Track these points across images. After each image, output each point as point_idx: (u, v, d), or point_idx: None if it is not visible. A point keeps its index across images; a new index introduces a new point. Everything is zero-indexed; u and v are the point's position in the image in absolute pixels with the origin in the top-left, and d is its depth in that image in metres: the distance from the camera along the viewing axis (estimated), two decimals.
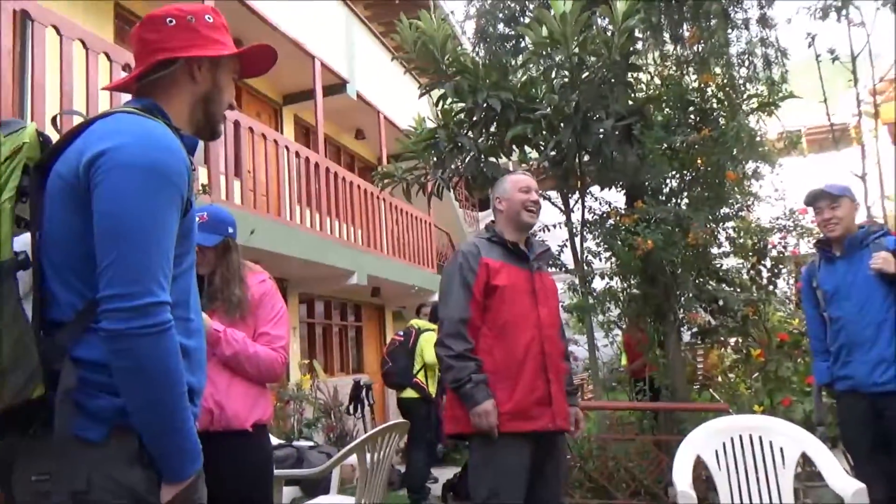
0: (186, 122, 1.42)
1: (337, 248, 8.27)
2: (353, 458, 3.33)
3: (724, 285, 5.63)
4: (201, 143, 1.54)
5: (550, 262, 6.01)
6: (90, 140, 1.25)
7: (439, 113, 5.94)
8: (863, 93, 7.11)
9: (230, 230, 2.43)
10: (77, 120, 1.46)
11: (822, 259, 3.18)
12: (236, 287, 2.35)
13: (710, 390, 6.17)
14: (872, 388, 2.89)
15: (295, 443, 5.52)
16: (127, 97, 1.49)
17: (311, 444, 5.55)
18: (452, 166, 5.84)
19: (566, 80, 5.49)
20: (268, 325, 2.41)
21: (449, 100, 5.72)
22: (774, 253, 5.63)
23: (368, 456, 3.31)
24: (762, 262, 5.61)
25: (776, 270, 5.66)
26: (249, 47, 1.49)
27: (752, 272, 5.67)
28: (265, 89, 9.29)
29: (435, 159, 5.76)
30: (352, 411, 7.51)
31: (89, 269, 1.22)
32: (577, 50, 5.24)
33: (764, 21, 6.52)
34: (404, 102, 9.88)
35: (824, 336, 3.16)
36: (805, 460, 3.02)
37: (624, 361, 7.24)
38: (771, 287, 5.69)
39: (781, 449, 2.90)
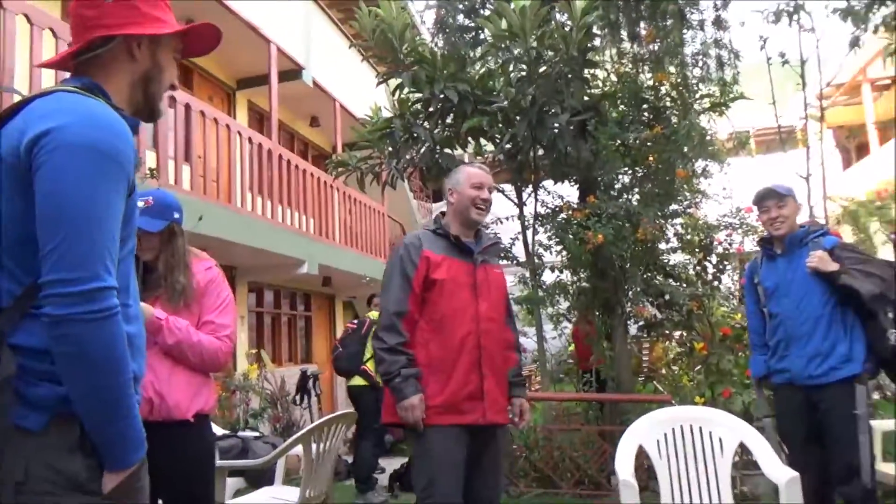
0: (125, 101, 1.37)
1: (288, 236, 8.15)
2: (298, 449, 3.30)
3: (670, 280, 5.75)
4: (150, 126, 1.48)
5: (502, 255, 6.06)
6: (31, 119, 1.21)
7: (396, 102, 5.90)
8: (811, 97, 7.33)
9: (176, 215, 2.36)
10: (16, 97, 1.39)
11: (764, 256, 3.27)
12: (181, 274, 2.28)
13: (655, 382, 6.31)
14: (808, 381, 2.99)
15: (240, 433, 5.43)
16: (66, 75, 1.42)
17: (256, 434, 5.48)
18: (407, 156, 5.82)
19: (523, 73, 5.51)
20: (213, 314, 2.35)
21: (406, 89, 5.69)
22: (720, 249, 5.77)
23: (314, 446, 3.28)
24: (708, 258, 5.75)
25: (721, 266, 5.81)
26: (191, 26, 1.45)
27: (698, 268, 5.81)
28: (218, 73, 9.07)
29: (390, 149, 5.72)
30: (298, 401, 7.43)
31: (29, 254, 1.18)
32: (535, 44, 5.26)
33: (718, 23, 6.66)
34: (361, 91, 9.78)
35: (763, 331, 3.26)
36: (743, 450, 3.11)
37: (573, 351, 7.36)
38: (716, 283, 5.84)
39: (720, 439, 2.97)
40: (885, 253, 11.57)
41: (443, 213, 2.79)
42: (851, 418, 2.88)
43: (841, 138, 15.05)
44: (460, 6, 7.06)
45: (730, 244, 5.80)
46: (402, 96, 5.80)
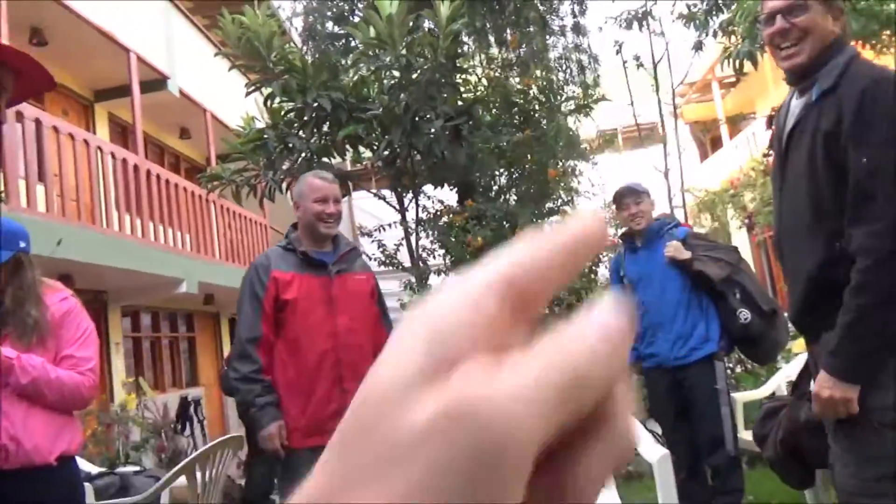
0: None
1: (162, 255, 7.77)
2: (184, 479, 3.15)
3: None
4: None
5: (387, 261, 6.07)
6: None
7: (268, 112, 5.77)
8: (666, 96, 7.85)
9: (22, 244, 2.19)
10: None
11: (627, 249, 3.49)
12: (32, 308, 2.12)
13: None
14: (674, 362, 3.22)
15: (118, 469, 5.11)
16: None
17: (136, 468, 5.17)
18: (284, 167, 5.70)
19: (395, 81, 5.55)
20: (72, 347, 2.19)
21: (277, 99, 5.57)
22: None
23: (199, 475, 3.14)
24: None
25: (597, 259, 6.10)
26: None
27: None
28: (73, 84, 8.49)
29: (265, 160, 5.58)
30: (180, 429, 7.10)
31: None
32: (404, 52, 5.31)
33: (578, 29, 7.01)
34: (233, 100, 9.48)
35: None
36: None
37: None
38: (592, 275, 6.12)
39: None
40: (739, 237, 12.59)
41: (294, 226, 2.70)
42: (713, 393, 3.12)
43: (696, 133, 16.21)
44: (329, 13, 7.01)
45: None
46: (275, 106, 5.68)
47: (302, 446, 2.41)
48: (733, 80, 14.29)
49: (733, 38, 5.69)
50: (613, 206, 3.60)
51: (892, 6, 5.04)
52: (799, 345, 4.53)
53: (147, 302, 8.98)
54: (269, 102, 5.65)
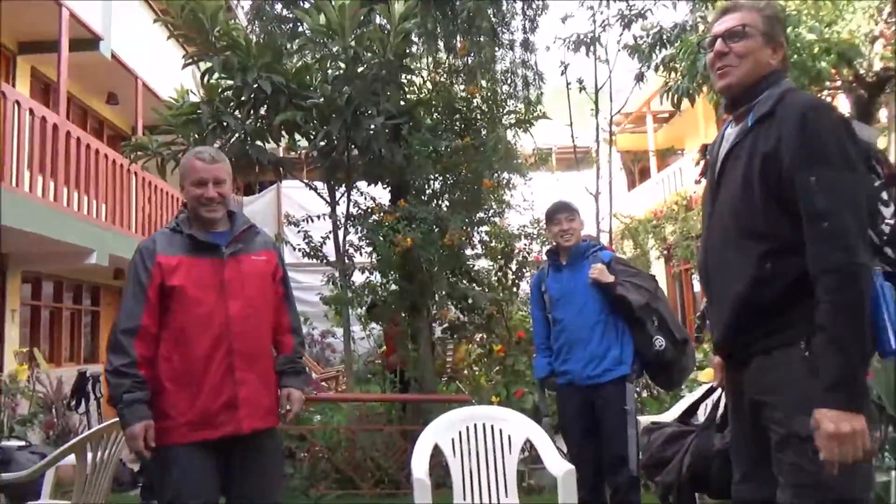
0: None
1: (74, 222, 7.37)
2: (72, 459, 2.98)
3: (474, 285, 6.02)
4: None
5: (311, 253, 5.96)
6: None
7: (205, 87, 5.58)
8: (604, 122, 8.05)
9: None
10: None
11: (551, 266, 3.55)
12: None
13: (457, 383, 6.57)
14: (586, 381, 3.29)
15: (2, 443, 4.81)
16: None
17: (21, 443, 4.88)
18: (216, 145, 5.52)
19: (341, 72, 5.48)
20: None
21: (216, 75, 5.40)
22: (520, 257, 6.14)
23: (90, 456, 2.98)
24: (509, 265, 6.09)
25: (520, 273, 6.19)
26: None
27: (499, 274, 6.13)
28: None
29: (195, 136, 5.39)
30: (74, 406, 6.74)
31: None
32: (353, 43, 5.25)
33: (527, 45, 7.11)
34: (168, 70, 9.11)
35: (547, 335, 3.53)
36: (530, 445, 3.33)
37: (382, 352, 7.44)
38: (515, 288, 6.20)
39: (509, 436, 3.18)
40: (658, 267, 13.06)
41: (185, 206, 2.51)
42: (622, 414, 3.20)
43: (627, 162, 16.74)
44: None
45: (528, 252, 6.20)
46: (212, 82, 5.50)
47: (188, 441, 2.25)
48: (667, 115, 14.87)
49: (674, 74, 5.90)
50: (545, 221, 3.65)
51: (823, 64, 5.34)
52: (706, 374, 4.72)
53: (51, 269, 8.50)
54: (206, 77, 5.46)
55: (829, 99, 7.19)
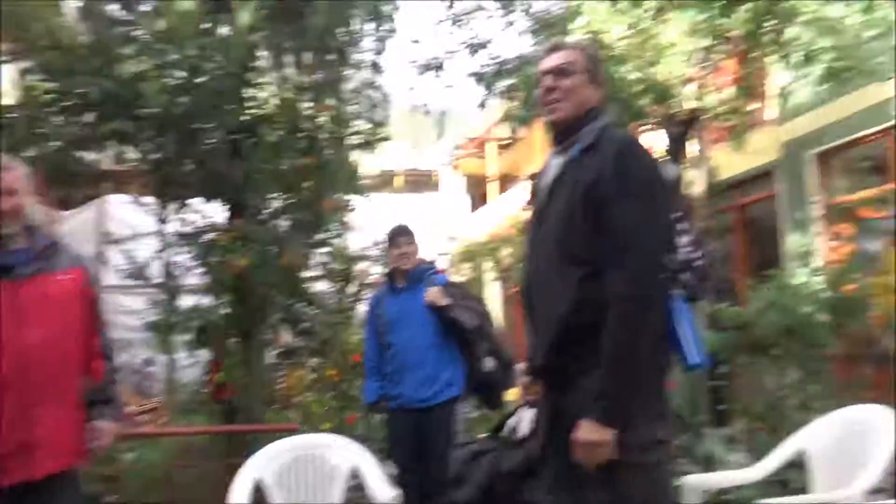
0: None
1: None
2: None
3: (311, 308, 5.91)
4: None
5: (136, 275, 5.57)
6: None
7: (21, 90, 5.11)
8: (448, 146, 8.31)
9: None
10: None
11: (388, 289, 3.61)
12: None
13: (288, 411, 6.33)
14: (418, 405, 3.36)
15: None
16: None
17: None
18: (30, 154, 5.05)
19: (179, 81, 5.24)
20: None
21: (36, 76, 4.97)
22: (360, 280, 6.13)
23: None
24: (347, 287, 6.06)
25: (359, 296, 6.17)
26: None
27: (338, 296, 6.07)
28: None
29: (6, 143, 4.91)
30: None
31: None
32: (194, 52, 5.05)
33: (375, 67, 7.16)
34: None
35: (378, 359, 3.57)
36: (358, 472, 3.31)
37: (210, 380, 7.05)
38: (352, 311, 6.16)
39: (336, 465, 3.14)
40: (493, 289, 13.55)
41: None
42: (450, 436, 3.29)
43: (469, 186, 17.31)
44: None
45: (369, 275, 6.21)
46: (30, 83, 5.05)
47: None
48: (508, 142, 15.59)
49: (514, 102, 6.21)
50: (385, 244, 3.71)
51: (643, 102, 5.87)
52: (513, 393, 4.95)
53: None
54: (24, 78, 5.01)
55: (647, 133, 7.94)
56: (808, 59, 5.37)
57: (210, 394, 6.25)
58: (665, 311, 1.79)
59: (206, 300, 5.39)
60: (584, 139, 1.89)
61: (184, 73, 5.15)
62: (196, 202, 5.71)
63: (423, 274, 3.55)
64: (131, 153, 5.56)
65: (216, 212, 5.78)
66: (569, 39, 2.09)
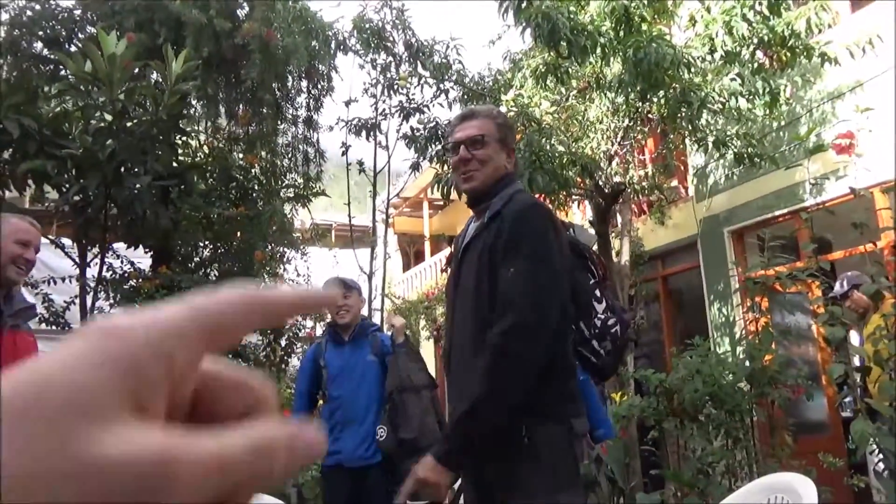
0: None
1: None
2: None
3: (239, 361, 5.71)
4: None
5: (52, 320, 5.27)
6: None
7: None
8: (382, 204, 8.31)
9: None
10: None
11: (330, 341, 3.51)
12: None
13: None
14: (358, 462, 3.24)
15: None
16: None
17: None
18: None
19: (104, 124, 5.08)
20: None
21: None
22: (291, 332, 5.98)
23: None
24: (279, 340, 5.90)
25: (290, 349, 6.02)
26: None
27: (268, 349, 5.90)
28: None
29: None
30: None
31: None
32: (122, 96, 4.92)
33: (310, 123, 7.19)
34: None
35: (308, 413, 3.45)
36: None
37: None
38: (283, 365, 5.99)
39: None
40: (427, 347, 13.52)
41: None
42: (389, 495, 3.17)
43: (403, 244, 17.38)
44: (41, 33, 6.26)
45: (300, 328, 6.07)
46: None
47: None
48: (441, 203, 15.80)
49: (446, 166, 6.31)
50: None
51: (570, 173, 6.08)
52: None
53: None
54: None
55: (575, 203, 8.19)
56: (719, 144, 5.72)
57: None
58: (546, 371, 1.74)
59: None
60: (494, 205, 1.92)
61: (110, 117, 5.01)
62: (120, 247, 5.49)
63: (368, 329, 3.50)
64: (52, 193, 5.31)
65: (141, 258, 5.56)
66: (481, 107, 2.12)
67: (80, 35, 6.31)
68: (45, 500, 0.19)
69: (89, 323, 0.23)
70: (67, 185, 5.10)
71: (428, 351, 13.60)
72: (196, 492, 0.21)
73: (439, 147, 6.13)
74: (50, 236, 6.09)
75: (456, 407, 1.76)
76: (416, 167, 6.76)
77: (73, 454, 0.19)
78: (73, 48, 6.12)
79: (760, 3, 5.12)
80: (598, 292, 1.98)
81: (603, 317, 1.95)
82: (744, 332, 5.01)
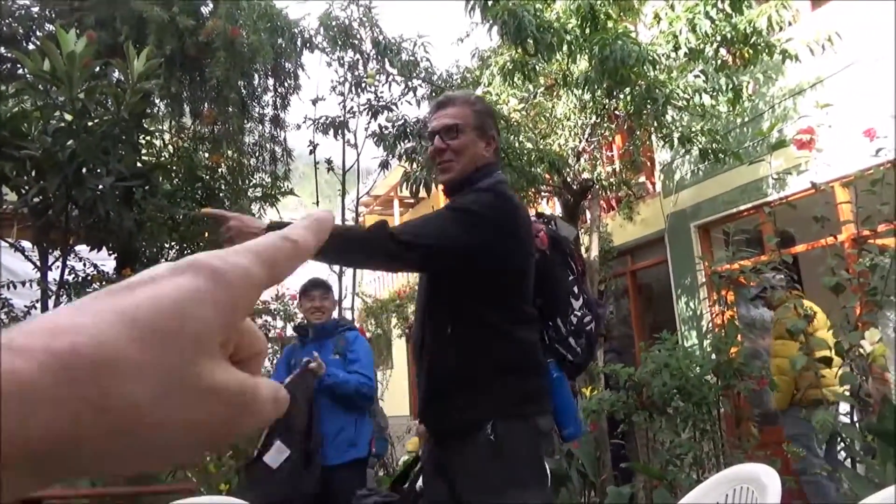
0: None
1: None
2: None
3: None
4: None
5: (11, 325, 5.14)
6: None
7: None
8: (352, 203, 8.26)
9: None
10: None
11: (300, 341, 3.52)
12: None
13: (185, 471, 5.97)
14: (325, 461, 3.21)
15: None
16: None
17: None
18: None
19: (65, 124, 4.97)
20: None
21: None
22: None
23: None
24: None
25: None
26: None
27: None
28: None
29: None
30: None
31: None
32: (82, 95, 4.81)
33: (277, 121, 7.11)
34: None
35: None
36: None
37: None
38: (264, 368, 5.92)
39: None
40: (398, 345, 13.50)
41: None
42: (360, 498, 3.15)
43: None
44: None
45: (270, 329, 6.01)
46: None
47: None
48: (412, 201, 15.76)
49: (415, 164, 6.30)
50: (298, 296, 3.65)
51: (538, 170, 6.11)
52: (412, 443, 4.89)
53: None
54: None
55: (544, 200, 8.23)
56: (685, 140, 5.81)
57: None
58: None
59: None
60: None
61: (70, 116, 4.90)
62: (82, 249, 5.37)
63: (333, 329, 3.49)
64: (11, 196, 5.18)
65: (105, 260, 5.46)
66: (457, 93, 2.08)
67: (38, 33, 6.16)
68: (181, 416, 0.25)
69: (185, 259, 0.27)
70: (27, 187, 4.98)
71: (399, 349, 13.57)
72: (259, 421, 0.28)
73: (408, 145, 6.12)
74: (9, 239, 5.95)
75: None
76: (385, 165, 6.73)
77: (198, 382, 0.26)
78: (31, 46, 5.97)
79: (723, 1, 5.20)
80: (575, 289, 1.98)
81: (579, 313, 1.94)
82: (710, 325, 5.09)
